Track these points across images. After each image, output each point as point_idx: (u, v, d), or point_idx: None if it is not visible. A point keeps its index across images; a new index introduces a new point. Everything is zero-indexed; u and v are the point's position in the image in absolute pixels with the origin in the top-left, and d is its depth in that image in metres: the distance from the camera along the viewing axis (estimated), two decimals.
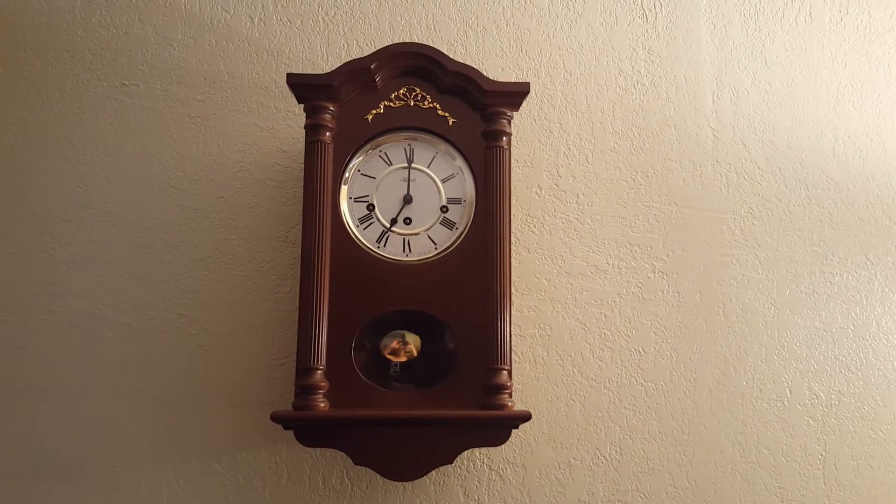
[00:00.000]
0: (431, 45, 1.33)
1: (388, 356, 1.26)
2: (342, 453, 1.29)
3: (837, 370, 1.48)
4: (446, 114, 1.30)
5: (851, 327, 1.50)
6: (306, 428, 1.22)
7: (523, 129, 1.51)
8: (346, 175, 1.29)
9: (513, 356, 1.26)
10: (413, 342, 1.27)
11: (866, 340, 1.50)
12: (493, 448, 1.37)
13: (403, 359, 1.26)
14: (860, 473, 1.44)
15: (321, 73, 1.35)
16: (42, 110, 1.47)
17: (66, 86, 1.48)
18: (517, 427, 1.27)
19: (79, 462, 1.35)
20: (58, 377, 1.38)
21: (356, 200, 1.29)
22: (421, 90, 1.31)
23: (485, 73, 1.30)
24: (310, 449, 1.36)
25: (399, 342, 1.27)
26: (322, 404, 1.19)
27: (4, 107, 1.46)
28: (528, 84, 1.30)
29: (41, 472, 1.35)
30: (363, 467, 1.27)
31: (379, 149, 1.30)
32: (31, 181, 1.44)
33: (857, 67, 1.61)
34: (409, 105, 1.30)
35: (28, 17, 1.50)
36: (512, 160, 1.31)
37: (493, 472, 1.39)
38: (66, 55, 1.49)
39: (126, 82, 1.49)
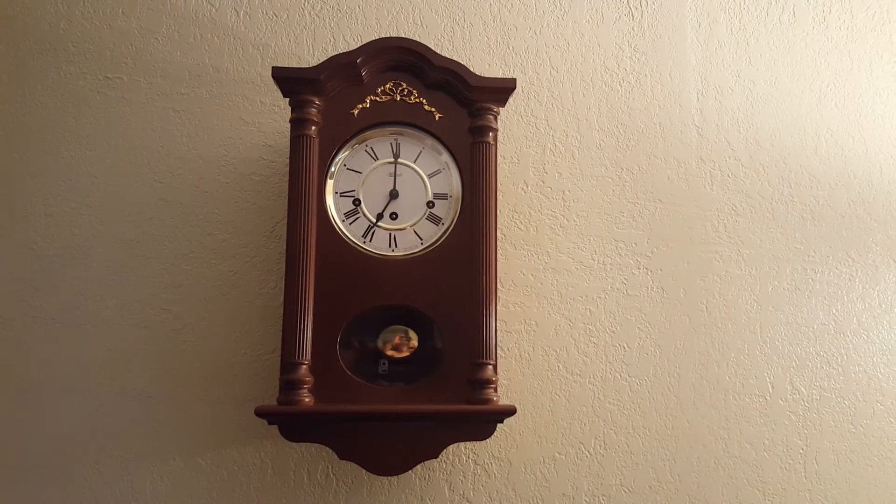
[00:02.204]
0: (418, 40, 1.33)
1: (391, 352, 1.26)
2: (327, 448, 1.29)
3: (819, 366, 1.50)
4: (433, 109, 1.30)
5: (833, 323, 1.52)
6: (291, 423, 1.22)
7: (509, 125, 1.51)
8: (332, 170, 1.28)
9: (498, 351, 1.26)
10: (413, 337, 1.27)
11: (847, 336, 1.52)
12: (478, 442, 1.38)
13: (406, 353, 1.27)
14: (840, 467, 1.46)
15: (307, 67, 1.34)
16: (24, 103, 1.45)
17: (48, 79, 1.46)
18: (502, 421, 1.28)
19: (62, 458, 1.34)
20: (40, 373, 1.36)
21: (342, 195, 1.29)
22: (407, 85, 1.31)
23: (471, 69, 1.30)
24: (294, 444, 1.35)
25: (402, 337, 1.27)
26: (307, 399, 1.19)
27: None
28: (515, 80, 1.30)
29: (24, 469, 1.33)
30: (348, 462, 1.27)
31: (365, 143, 1.30)
32: (13, 175, 1.42)
33: (839, 67, 1.62)
34: (396, 100, 1.30)
35: (10, 9, 1.48)
36: (498, 156, 1.32)
37: (478, 467, 1.39)
38: (49, 48, 1.47)
39: (110, 75, 1.47)
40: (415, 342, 1.28)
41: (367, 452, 1.23)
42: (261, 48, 1.50)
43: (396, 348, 1.27)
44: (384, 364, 1.28)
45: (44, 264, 1.40)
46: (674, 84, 1.57)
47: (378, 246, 1.27)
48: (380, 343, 1.27)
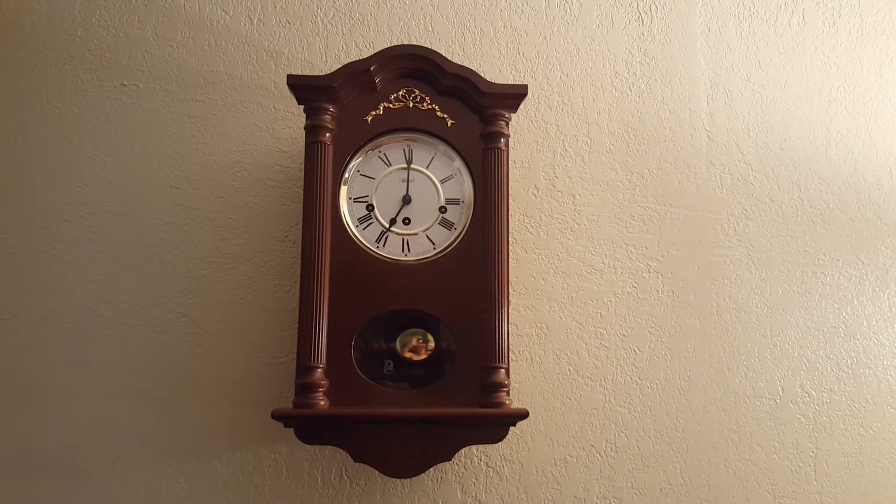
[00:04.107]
0: (429, 47, 1.34)
1: (408, 354, 1.28)
2: (341, 451, 1.31)
3: (829, 369, 1.51)
4: (445, 115, 1.32)
5: (843, 326, 1.52)
6: (307, 426, 1.23)
7: (520, 130, 1.52)
8: (346, 175, 1.30)
9: (510, 355, 1.27)
10: (431, 339, 1.29)
11: (857, 339, 1.52)
12: (490, 445, 1.39)
13: (424, 356, 1.28)
14: (850, 470, 1.47)
15: (320, 74, 1.36)
16: (42, 111, 1.47)
17: (65, 86, 1.49)
18: (514, 425, 1.29)
19: (79, 461, 1.36)
20: (58, 376, 1.38)
21: (356, 201, 1.30)
22: (420, 92, 1.32)
23: (482, 75, 1.31)
24: (309, 446, 1.37)
25: (419, 339, 1.28)
26: (322, 402, 1.20)
27: (5, 107, 1.47)
28: (527, 86, 1.31)
29: (42, 471, 1.36)
30: (362, 464, 1.28)
31: (378, 150, 1.32)
32: (31, 181, 1.45)
33: (849, 70, 1.63)
34: (409, 106, 1.32)
35: (28, 18, 1.50)
36: (510, 161, 1.33)
37: (490, 469, 1.40)
38: (66, 56, 1.50)
39: (126, 83, 1.50)
40: (432, 344, 1.29)
41: (381, 455, 1.25)
42: (274, 55, 1.52)
43: (414, 351, 1.29)
44: (388, 364, 1.29)
45: (62, 269, 1.42)
46: (684, 88, 1.58)
47: (391, 251, 1.29)
48: (398, 346, 1.29)
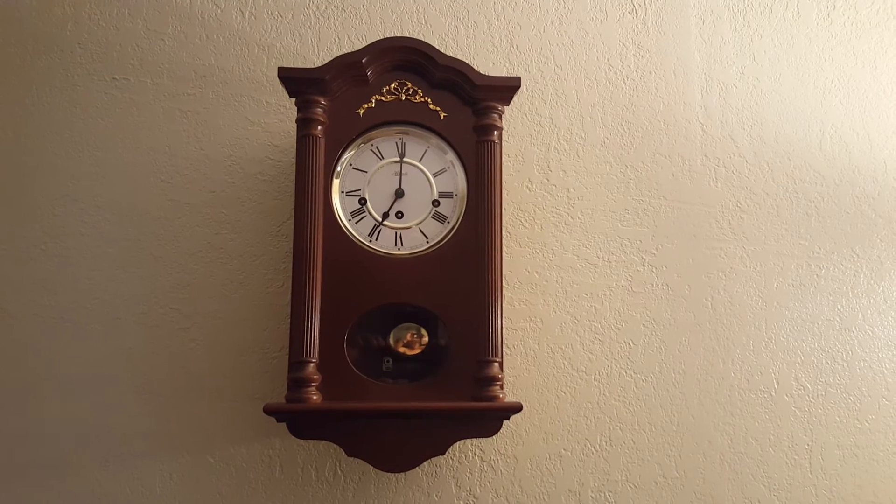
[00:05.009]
0: (423, 39, 1.33)
1: (402, 349, 1.27)
2: (335, 445, 1.30)
3: (824, 361, 1.50)
4: (438, 108, 1.31)
5: (837, 319, 1.52)
6: (299, 420, 1.23)
7: (514, 123, 1.52)
8: (338, 169, 1.29)
9: (504, 348, 1.26)
10: (425, 334, 1.28)
11: (852, 332, 1.52)
12: (484, 439, 1.38)
13: (417, 350, 1.27)
14: (846, 462, 1.47)
15: (312, 67, 1.35)
16: (32, 105, 1.46)
17: (56, 80, 1.47)
18: (508, 418, 1.29)
19: (71, 457, 1.35)
20: (49, 372, 1.37)
21: (348, 194, 1.29)
22: (413, 84, 1.31)
23: (476, 68, 1.31)
24: (302, 441, 1.36)
25: (413, 334, 1.28)
26: (315, 397, 1.19)
27: None
28: (520, 79, 1.30)
29: (34, 467, 1.35)
30: (356, 459, 1.28)
31: (371, 143, 1.31)
32: (22, 176, 1.44)
33: (843, 63, 1.62)
34: (401, 99, 1.31)
35: (17, 12, 1.49)
36: (503, 154, 1.32)
37: (484, 463, 1.40)
38: (56, 50, 1.48)
39: (116, 77, 1.48)
40: (426, 339, 1.28)
41: (374, 449, 1.24)
42: (266, 48, 1.51)
43: (408, 345, 1.28)
44: (388, 361, 1.28)
45: (52, 264, 1.41)
46: (678, 81, 1.58)
47: (384, 244, 1.28)
48: (391, 340, 1.28)
